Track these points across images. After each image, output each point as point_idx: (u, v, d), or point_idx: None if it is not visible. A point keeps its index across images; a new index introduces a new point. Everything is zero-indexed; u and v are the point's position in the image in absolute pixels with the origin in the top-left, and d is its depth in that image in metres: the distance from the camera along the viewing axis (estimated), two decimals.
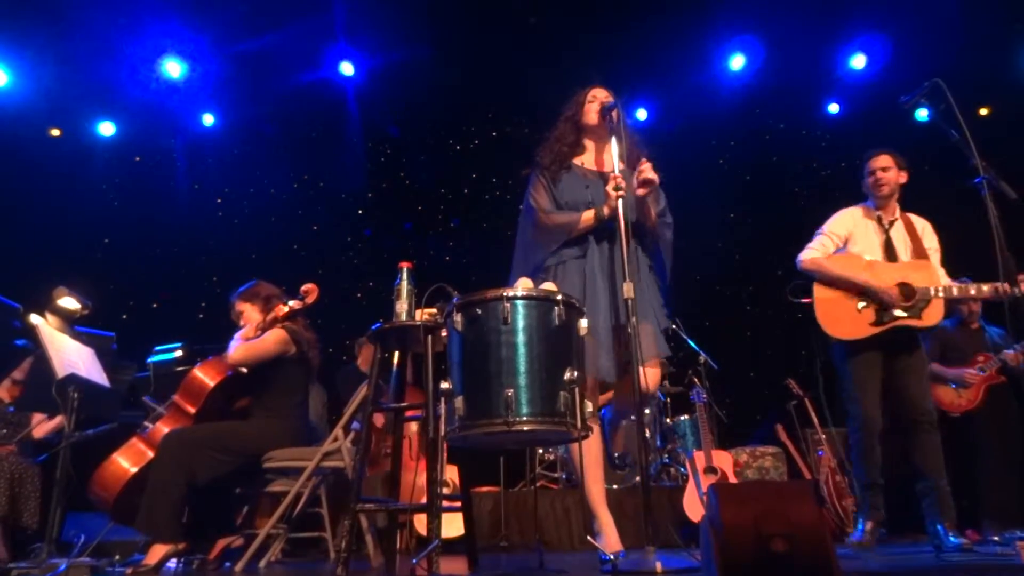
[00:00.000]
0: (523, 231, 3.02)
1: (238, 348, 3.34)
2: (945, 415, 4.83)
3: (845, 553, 3.32)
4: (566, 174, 3.01)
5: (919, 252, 3.55)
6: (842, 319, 3.51)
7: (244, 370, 3.52)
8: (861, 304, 3.48)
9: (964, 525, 4.83)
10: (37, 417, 4.49)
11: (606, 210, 2.79)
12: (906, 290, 3.42)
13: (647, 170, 2.80)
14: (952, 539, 3.27)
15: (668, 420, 5.62)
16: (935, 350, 4.97)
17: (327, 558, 4.40)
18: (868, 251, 3.58)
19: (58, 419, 4.45)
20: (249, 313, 3.55)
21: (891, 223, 3.61)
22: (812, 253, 3.66)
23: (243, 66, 6.53)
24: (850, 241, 3.63)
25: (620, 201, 2.66)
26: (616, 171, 2.69)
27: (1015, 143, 5.26)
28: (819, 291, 3.59)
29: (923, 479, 3.43)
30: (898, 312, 3.41)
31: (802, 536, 1.48)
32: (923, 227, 3.64)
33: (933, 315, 3.40)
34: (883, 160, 3.65)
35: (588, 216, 2.83)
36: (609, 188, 2.72)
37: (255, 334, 3.47)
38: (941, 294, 3.39)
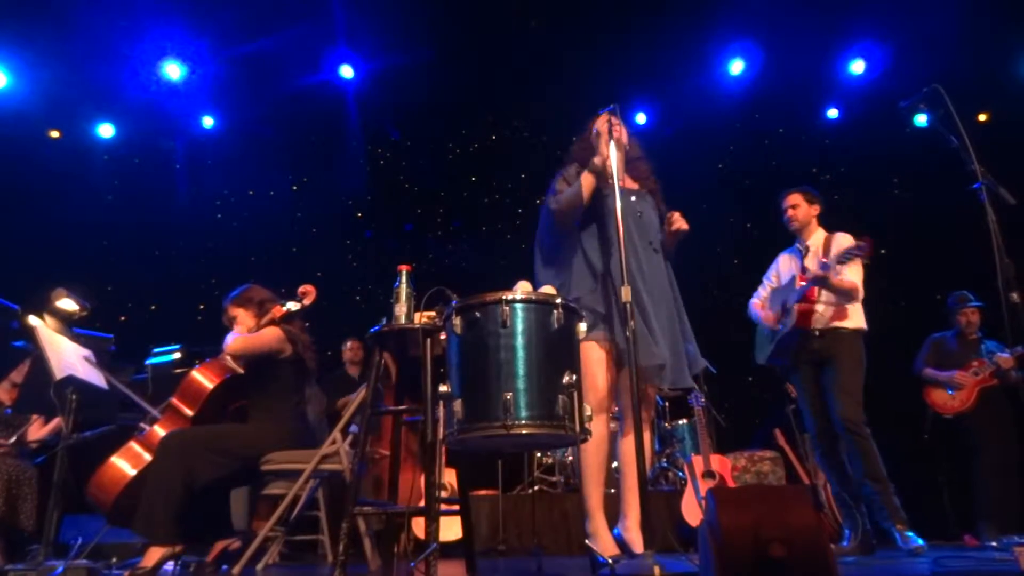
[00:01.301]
0: (543, 232, 3.06)
1: (236, 339, 3.32)
2: (938, 417, 4.88)
3: (842, 561, 3.33)
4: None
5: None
6: (761, 347, 4.04)
7: (241, 370, 3.51)
8: (766, 330, 3.97)
9: (961, 529, 4.84)
10: (35, 419, 4.48)
11: (597, 160, 2.88)
12: (784, 308, 3.83)
13: (679, 220, 2.98)
14: (910, 537, 3.37)
15: (667, 424, 5.62)
16: (931, 357, 5.06)
17: (324, 561, 4.40)
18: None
19: (52, 424, 4.44)
20: (242, 318, 3.52)
21: (806, 249, 3.93)
22: (751, 301, 4.16)
23: (243, 69, 6.53)
24: (781, 279, 4.03)
25: (618, 196, 2.63)
26: (615, 175, 2.69)
27: (1014, 149, 5.27)
28: (757, 329, 4.12)
29: (863, 486, 3.54)
30: (779, 328, 3.84)
31: (800, 541, 1.47)
32: (835, 240, 3.85)
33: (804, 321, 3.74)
34: (792, 199, 4.02)
35: (586, 177, 2.90)
36: (598, 136, 2.86)
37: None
38: (791, 303, 3.74)
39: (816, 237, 3.95)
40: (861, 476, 3.54)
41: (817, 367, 3.76)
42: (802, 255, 3.94)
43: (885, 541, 3.95)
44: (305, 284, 3.58)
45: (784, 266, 4.05)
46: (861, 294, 3.70)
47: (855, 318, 3.72)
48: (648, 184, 3.19)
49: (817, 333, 3.71)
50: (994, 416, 4.74)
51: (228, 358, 3.46)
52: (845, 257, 3.54)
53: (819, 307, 3.71)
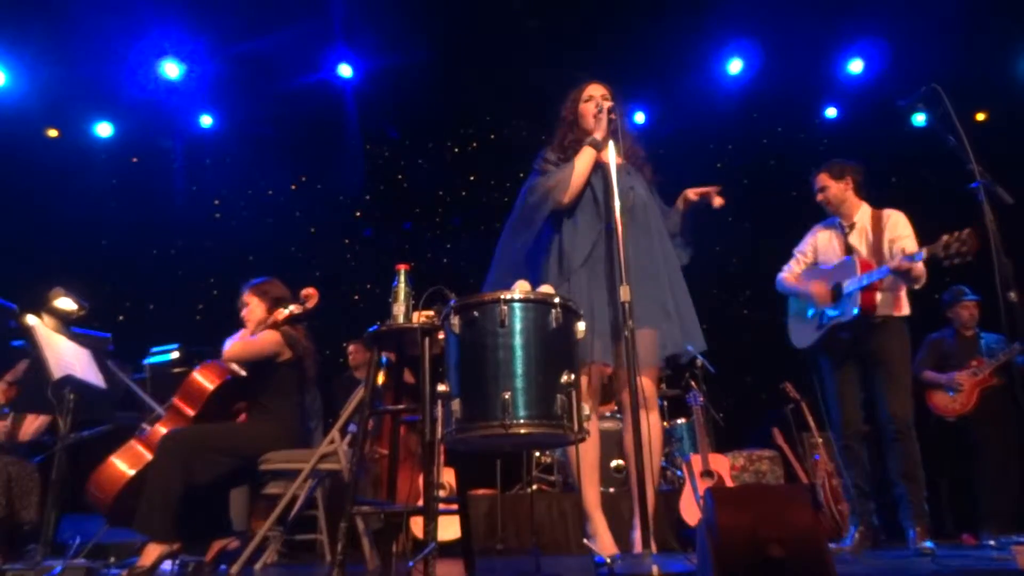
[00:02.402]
0: (518, 223, 3.02)
1: (234, 344, 3.34)
2: (941, 420, 4.85)
3: (842, 558, 3.33)
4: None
5: (876, 248, 3.63)
6: (802, 329, 3.82)
7: (243, 372, 3.51)
8: (811, 312, 3.73)
9: (960, 529, 4.85)
10: (30, 418, 4.47)
11: (598, 135, 2.88)
12: (837, 290, 3.59)
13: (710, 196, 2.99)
14: (926, 542, 3.33)
15: (665, 423, 5.62)
16: (929, 359, 4.97)
17: (323, 561, 4.40)
18: (833, 259, 3.76)
19: (43, 418, 4.41)
20: (254, 308, 3.54)
21: (850, 227, 3.75)
22: (781, 274, 3.96)
23: (241, 67, 6.52)
24: (818, 254, 3.87)
25: (617, 193, 2.61)
26: (613, 170, 2.68)
27: (1012, 148, 5.28)
28: (791, 307, 3.94)
29: (896, 485, 3.49)
30: (831, 312, 3.60)
31: (798, 541, 1.48)
32: (888, 219, 3.68)
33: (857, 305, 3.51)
34: (819, 181, 3.82)
35: (588, 151, 2.90)
36: (591, 109, 2.89)
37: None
38: (850, 287, 3.50)
39: (861, 213, 3.73)
40: (898, 475, 3.47)
41: (861, 360, 3.62)
42: (845, 231, 3.75)
43: (892, 540, 3.96)
44: (308, 287, 3.58)
45: (824, 242, 3.84)
46: (925, 279, 3.51)
47: (905, 306, 3.60)
48: (634, 159, 3.11)
49: (877, 321, 3.52)
50: (995, 416, 4.69)
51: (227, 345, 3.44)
52: (942, 255, 3.22)
53: (878, 294, 3.51)
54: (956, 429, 4.83)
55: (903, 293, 3.59)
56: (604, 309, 2.79)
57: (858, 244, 3.69)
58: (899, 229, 3.64)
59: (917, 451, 3.47)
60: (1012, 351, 4.60)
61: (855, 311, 3.46)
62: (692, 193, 3.04)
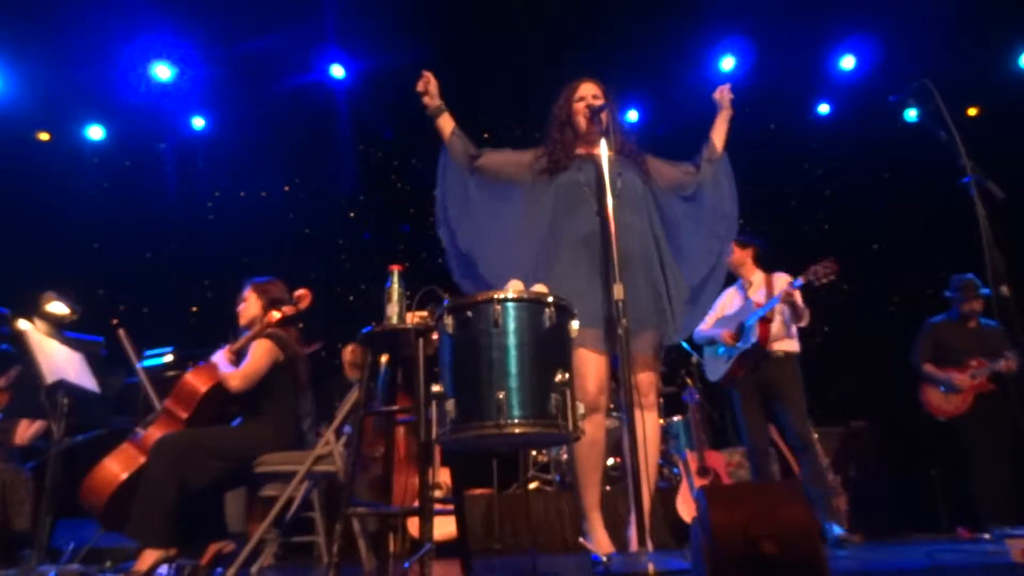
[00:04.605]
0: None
1: (236, 376, 3.28)
2: (931, 419, 4.78)
3: (838, 553, 3.34)
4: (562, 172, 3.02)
5: (769, 298, 4.30)
6: (714, 365, 4.48)
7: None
8: (721, 351, 4.43)
9: (955, 522, 4.85)
10: (24, 423, 4.45)
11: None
12: (740, 327, 4.31)
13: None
14: (836, 529, 3.80)
15: (661, 421, 5.62)
16: (927, 348, 4.85)
17: (320, 563, 4.40)
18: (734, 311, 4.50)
19: (37, 424, 4.40)
20: (251, 304, 3.54)
21: (749, 284, 4.50)
22: (697, 328, 4.49)
23: (233, 69, 6.50)
24: (724, 309, 4.58)
25: (608, 186, 2.61)
26: (606, 169, 2.67)
27: (1003, 143, 5.29)
28: (705, 351, 4.63)
29: (810, 489, 3.93)
30: (737, 345, 4.28)
31: (792, 537, 1.48)
32: (777, 280, 4.40)
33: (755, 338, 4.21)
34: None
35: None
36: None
37: (238, 347, 3.44)
38: (750, 320, 4.22)
39: (756, 276, 4.50)
40: (809, 481, 3.97)
41: (763, 391, 4.26)
42: (745, 289, 4.49)
43: (885, 536, 4.02)
44: (300, 288, 3.57)
45: (729, 299, 4.55)
46: (808, 318, 4.20)
47: (796, 343, 4.31)
48: (627, 151, 3.10)
49: (774, 354, 4.20)
50: (987, 419, 4.57)
51: (224, 372, 3.39)
52: (814, 279, 4.03)
53: (773, 326, 4.20)
54: (946, 431, 4.74)
55: (795, 330, 4.32)
56: (605, 305, 2.78)
57: (755, 296, 4.41)
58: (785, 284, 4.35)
59: (820, 459, 4.09)
60: (1009, 361, 4.46)
61: (753, 340, 4.15)
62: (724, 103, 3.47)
